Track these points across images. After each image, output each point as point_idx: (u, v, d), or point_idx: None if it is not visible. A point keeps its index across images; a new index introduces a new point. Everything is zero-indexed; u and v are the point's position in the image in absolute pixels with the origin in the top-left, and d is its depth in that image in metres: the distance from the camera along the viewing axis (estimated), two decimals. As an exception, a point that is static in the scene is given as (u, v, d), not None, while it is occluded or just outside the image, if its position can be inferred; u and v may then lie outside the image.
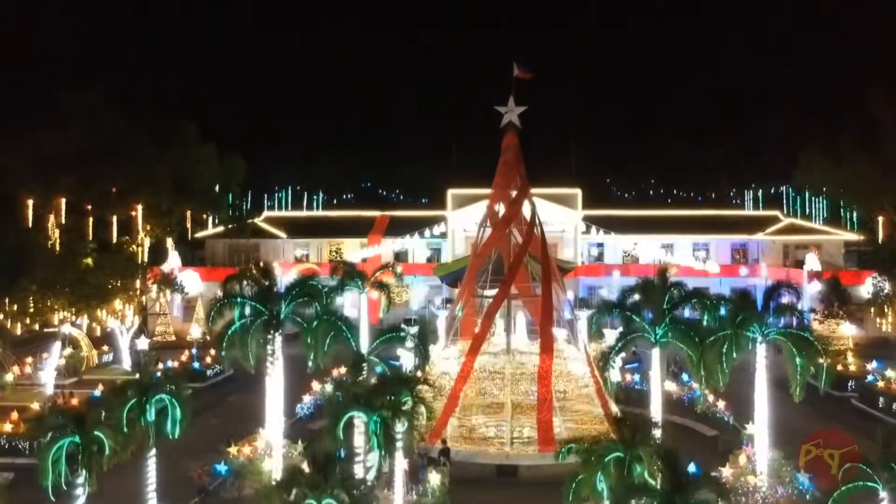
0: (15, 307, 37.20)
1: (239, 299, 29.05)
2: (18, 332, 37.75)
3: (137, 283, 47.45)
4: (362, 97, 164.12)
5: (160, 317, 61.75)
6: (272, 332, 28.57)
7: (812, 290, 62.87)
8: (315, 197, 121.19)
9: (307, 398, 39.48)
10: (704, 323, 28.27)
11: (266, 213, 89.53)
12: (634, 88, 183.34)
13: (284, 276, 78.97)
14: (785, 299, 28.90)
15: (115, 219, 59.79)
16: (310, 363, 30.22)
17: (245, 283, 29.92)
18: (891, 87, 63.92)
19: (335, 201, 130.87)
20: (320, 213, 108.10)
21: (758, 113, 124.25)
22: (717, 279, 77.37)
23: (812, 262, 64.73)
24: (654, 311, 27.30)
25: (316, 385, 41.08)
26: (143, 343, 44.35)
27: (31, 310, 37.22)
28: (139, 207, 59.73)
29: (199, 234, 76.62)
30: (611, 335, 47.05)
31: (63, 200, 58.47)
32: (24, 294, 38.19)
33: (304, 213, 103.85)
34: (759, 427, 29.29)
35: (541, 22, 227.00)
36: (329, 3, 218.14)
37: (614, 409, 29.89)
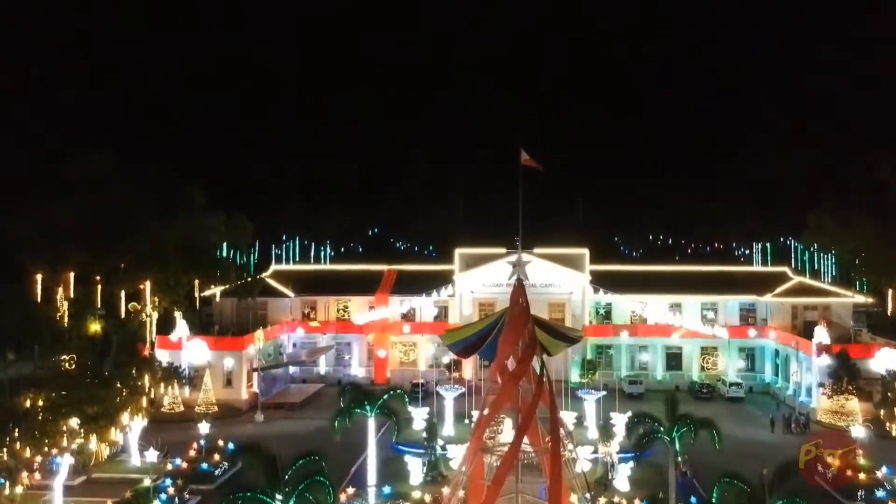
0: (23, 429, 36.97)
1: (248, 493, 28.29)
2: (27, 453, 37.56)
3: (146, 378, 47.37)
4: (372, 146, 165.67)
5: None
6: None
7: (821, 362, 62.46)
8: (323, 248, 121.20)
9: None
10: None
11: (273, 267, 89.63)
12: (640, 139, 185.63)
13: (292, 334, 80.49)
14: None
15: (122, 293, 59.93)
16: None
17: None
18: None
19: (342, 250, 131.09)
20: (328, 266, 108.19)
21: (766, 165, 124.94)
22: (726, 340, 77.27)
23: (821, 334, 64.15)
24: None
25: None
26: (151, 455, 44.20)
27: (38, 433, 37.02)
28: (147, 283, 59.92)
29: (207, 293, 76.51)
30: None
31: (72, 274, 58.63)
32: (32, 413, 38.09)
33: (312, 266, 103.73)
34: None
35: (545, 75, 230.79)
36: (340, 53, 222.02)
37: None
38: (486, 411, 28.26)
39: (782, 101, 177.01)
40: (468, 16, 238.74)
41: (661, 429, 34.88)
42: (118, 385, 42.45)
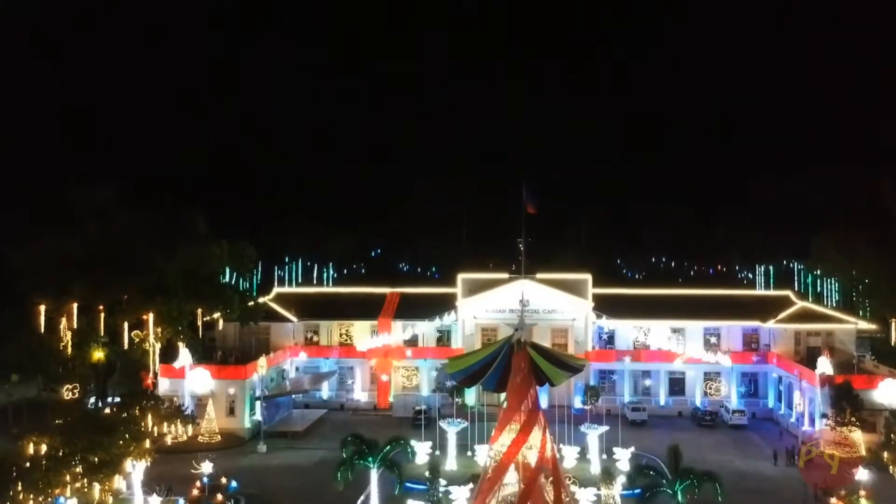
0: (26, 481, 36.80)
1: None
2: (31, 503, 37.53)
3: (150, 419, 47.29)
4: (373, 167, 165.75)
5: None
6: None
7: (824, 393, 62.25)
8: (326, 269, 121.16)
9: None
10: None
11: (276, 290, 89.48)
12: (643, 159, 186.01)
13: (295, 359, 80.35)
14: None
15: (126, 324, 59.99)
16: None
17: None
18: None
19: (345, 272, 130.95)
20: (330, 289, 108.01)
21: (769, 187, 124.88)
22: (729, 366, 76.96)
23: (823, 365, 63.93)
24: None
25: None
26: (154, 500, 44.19)
27: (41, 484, 36.88)
28: (150, 315, 59.98)
29: (209, 317, 76.16)
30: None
31: (75, 305, 58.69)
32: (35, 463, 37.97)
33: (315, 289, 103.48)
34: None
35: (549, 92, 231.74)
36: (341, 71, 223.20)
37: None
38: (488, 475, 28.29)
39: (786, 123, 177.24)
40: (469, 39, 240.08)
41: (665, 482, 34.83)
42: (122, 429, 42.48)
